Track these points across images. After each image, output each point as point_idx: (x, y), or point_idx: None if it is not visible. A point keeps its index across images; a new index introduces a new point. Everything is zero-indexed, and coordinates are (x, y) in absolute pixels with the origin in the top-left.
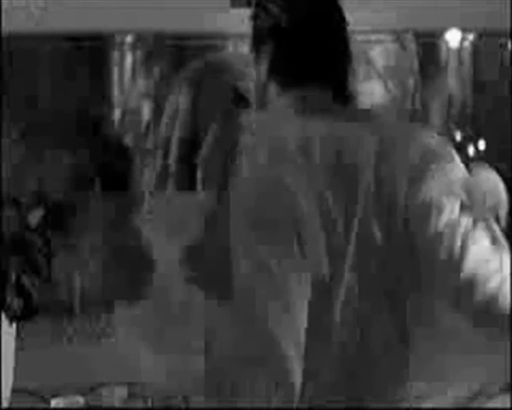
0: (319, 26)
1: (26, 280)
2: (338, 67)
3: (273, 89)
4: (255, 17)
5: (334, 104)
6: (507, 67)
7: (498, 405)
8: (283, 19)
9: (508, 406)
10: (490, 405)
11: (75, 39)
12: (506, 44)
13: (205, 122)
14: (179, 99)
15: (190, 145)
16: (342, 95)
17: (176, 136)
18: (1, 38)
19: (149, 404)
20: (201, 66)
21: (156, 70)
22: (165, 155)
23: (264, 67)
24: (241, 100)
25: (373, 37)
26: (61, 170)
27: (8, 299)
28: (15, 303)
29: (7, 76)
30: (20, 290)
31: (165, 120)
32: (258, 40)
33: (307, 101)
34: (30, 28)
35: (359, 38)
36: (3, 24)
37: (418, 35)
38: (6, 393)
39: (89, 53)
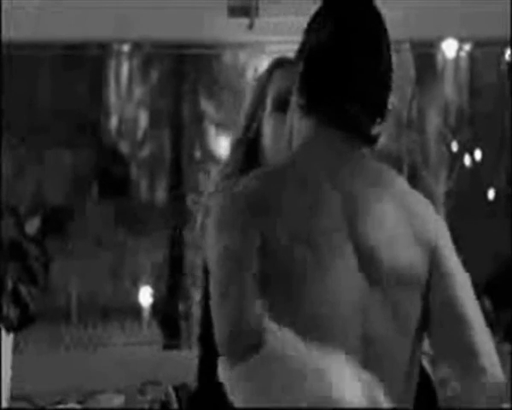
0: (350, 60)
1: (22, 289)
2: (361, 104)
3: (299, 104)
4: (304, 33)
5: (348, 146)
6: (503, 76)
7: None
8: (318, 42)
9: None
10: None
11: (73, 48)
12: (502, 54)
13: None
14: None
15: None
16: (361, 132)
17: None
18: (1, 43)
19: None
20: (277, 60)
21: (153, 79)
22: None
23: (296, 84)
24: None
25: None
26: (59, 175)
27: (5, 309)
28: (12, 313)
29: (5, 83)
30: (17, 299)
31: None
32: (298, 54)
33: (331, 139)
34: (27, 36)
35: None
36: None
37: (415, 44)
38: (2, 400)
39: (86, 61)
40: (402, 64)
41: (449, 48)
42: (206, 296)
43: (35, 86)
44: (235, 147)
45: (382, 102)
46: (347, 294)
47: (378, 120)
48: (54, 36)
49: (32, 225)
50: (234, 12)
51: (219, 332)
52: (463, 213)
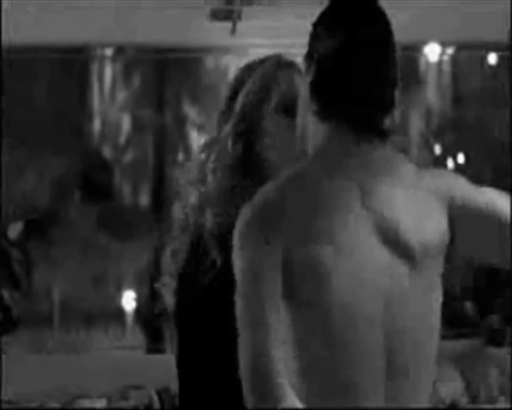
0: (362, 65)
1: (4, 293)
2: (374, 105)
3: (312, 110)
4: (312, 37)
5: (365, 143)
6: (486, 80)
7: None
8: (329, 48)
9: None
10: None
11: (56, 51)
12: (485, 57)
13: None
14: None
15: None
16: (376, 130)
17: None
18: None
19: None
20: (282, 60)
21: (136, 83)
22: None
23: (307, 85)
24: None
25: None
26: (42, 180)
27: None
28: None
29: None
30: (0, 304)
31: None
32: (308, 59)
33: (343, 135)
34: (9, 40)
35: None
36: None
37: (397, 48)
38: None
39: (70, 65)
40: None
41: (432, 52)
42: (180, 302)
43: (17, 89)
44: (235, 139)
45: (391, 99)
46: (379, 279)
47: (388, 114)
48: (36, 39)
49: (15, 230)
50: (217, 16)
51: (242, 364)
52: None
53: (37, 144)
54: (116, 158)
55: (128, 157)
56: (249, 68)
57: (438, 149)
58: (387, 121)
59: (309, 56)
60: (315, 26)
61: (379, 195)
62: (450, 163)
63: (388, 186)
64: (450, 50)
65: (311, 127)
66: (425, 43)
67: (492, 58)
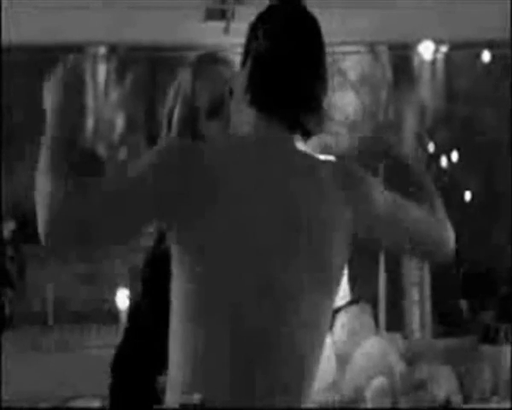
0: (298, 63)
1: None
2: (306, 105)
3: (244, 105)
4: (248, 37)
5: (292, 143)
6: (480, 78)
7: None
8: (265, 46)
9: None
10: None
11: (49, 51)
12: (479, 55)
13: (201, 103)
14: (181, 83)
15: (189, 122)
16: (303, 130)
17: (177, 115)
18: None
19: None
20: (201, 55)
21: (129, 82)
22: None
23: (242, 81)
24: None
25: (347, 48)
26: (35, 178)
27: None
28: None
29: None
30: None
31: (169, 99)
32: (244, 56)
33: (269, 134)
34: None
35: (333, 49)
36: None
37: (391, 46)
38: None
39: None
40: (378, 66)
41: (425, 50)
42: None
43: (9, 90)
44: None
45: (319, 100)
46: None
47: (315, 115)
48: (28, 39)
49: (7, 228)
50: (210, 15)
51: None
52: None
53: (29, 143)
54: (110, 156)
55: (121, 155)
56: (189, 74)
57: (431, 147)
58: (313, 122)
59: (245, 52)
60: (253, 26)
61: (289, 190)
62: (443, 160)
63: (302, 186)
64: (444, 48)
65: (243, 114)
66: (419, 41)
67: (486, 56)
